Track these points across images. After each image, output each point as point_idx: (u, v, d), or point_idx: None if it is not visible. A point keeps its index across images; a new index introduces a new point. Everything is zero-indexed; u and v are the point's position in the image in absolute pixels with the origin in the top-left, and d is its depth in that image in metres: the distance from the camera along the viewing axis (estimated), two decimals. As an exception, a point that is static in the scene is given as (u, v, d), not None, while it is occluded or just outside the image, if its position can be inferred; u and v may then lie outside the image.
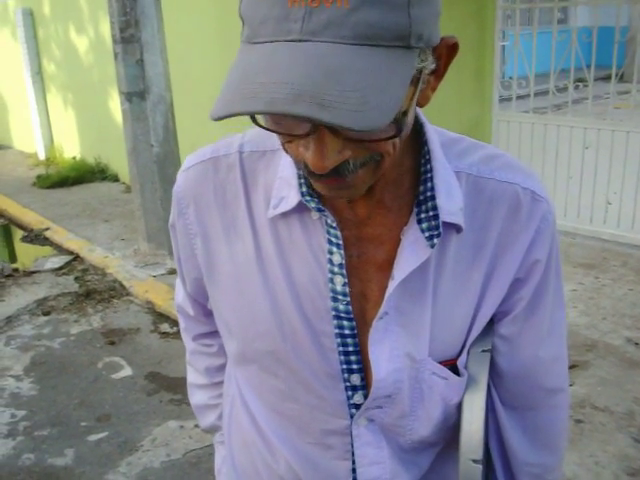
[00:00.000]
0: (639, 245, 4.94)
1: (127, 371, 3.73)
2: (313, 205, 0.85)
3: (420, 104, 0.76)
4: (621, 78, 4.95)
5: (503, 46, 5.76)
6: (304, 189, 0.85)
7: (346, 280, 0.87)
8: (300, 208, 0.87)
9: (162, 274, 4.92)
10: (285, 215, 0.89)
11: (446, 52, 0.74)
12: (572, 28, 4.99)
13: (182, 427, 3.16)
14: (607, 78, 7.18)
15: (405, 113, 0.71)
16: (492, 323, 0.94)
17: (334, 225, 0.86)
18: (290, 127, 0.70)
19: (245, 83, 0.64)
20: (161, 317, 4.38)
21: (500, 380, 0.97)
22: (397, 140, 0.73)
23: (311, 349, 0.90)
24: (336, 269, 0.87)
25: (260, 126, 0.73)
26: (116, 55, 4.83)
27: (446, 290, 0.89)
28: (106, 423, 3.23)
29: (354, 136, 0.68)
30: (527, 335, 0.95)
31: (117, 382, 3.61)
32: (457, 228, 0.86)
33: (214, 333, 1.15)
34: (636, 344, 3.60)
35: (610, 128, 4.96)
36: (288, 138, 0.73)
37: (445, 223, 0.84)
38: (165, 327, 4.25)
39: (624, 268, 4.67)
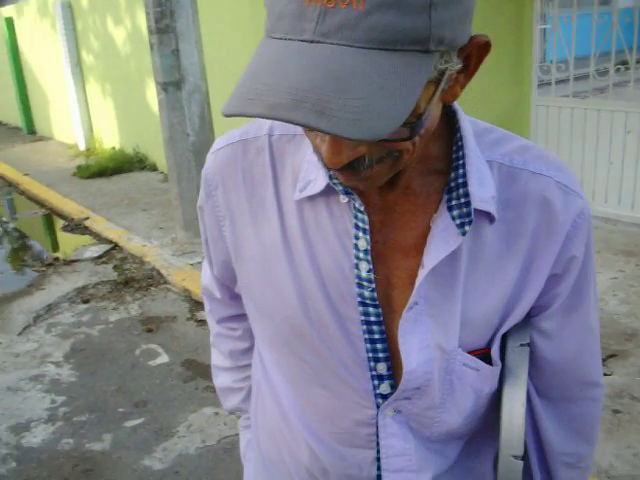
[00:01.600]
0: (682, 232, 4.82)
1: (164, 358, 3.77)
2: (341, 188, 0.84)
3: (446, 100, 0.74)
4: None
5: (543, 29, 5.64)
6: (332, 172, 0.84)
7: (371, 266, 0.86)
8: (327, 192, 0.86)
9: (199, 262, 4.95)
10: (312, 198, 0.88)
11: (477, 52, 0.71)
12: (613, 9, 4.87)
13: (217, 414, 3.19)
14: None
15: (420, 115, 0.69)
16: (529, 317, 0.93)
17: (362, 209, 0.85)
18: None
19: (252, 83, 0.64)
20: (198, 305, 4.41)
21: (538, 373, 0.96)
22: (416, 139, 0.72)
23: (337, 335, 0.89)
24: (361, 255, 0.86)
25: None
26: (152, 46, 4.87)
27: (478, 281, 0.87)
28: (143, 409, 3.27)
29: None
30: (568, 330, 0.94)
31: (154, 369, 3.66)
32: (490, 218, 0.84)
33: (239, 316, 1.16)
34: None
35: (653, 112, 4.84)
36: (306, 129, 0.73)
37: (477, 211, 0.83)
38: (202, 315, 4.28)
39: (667, 255, 4.56)
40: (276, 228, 0.91)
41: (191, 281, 4.65)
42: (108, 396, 3.41)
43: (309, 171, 0.88)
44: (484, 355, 0.91)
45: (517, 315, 0.90)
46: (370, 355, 0.89)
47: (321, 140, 0.71)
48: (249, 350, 1.19)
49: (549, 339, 0.94)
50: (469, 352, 0.90)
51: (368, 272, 0.86)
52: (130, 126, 8.47)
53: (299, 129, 0.91)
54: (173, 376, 3.58)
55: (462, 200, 0.83)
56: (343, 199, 0.86)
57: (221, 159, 0.96)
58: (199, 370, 3.62)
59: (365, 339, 0.89)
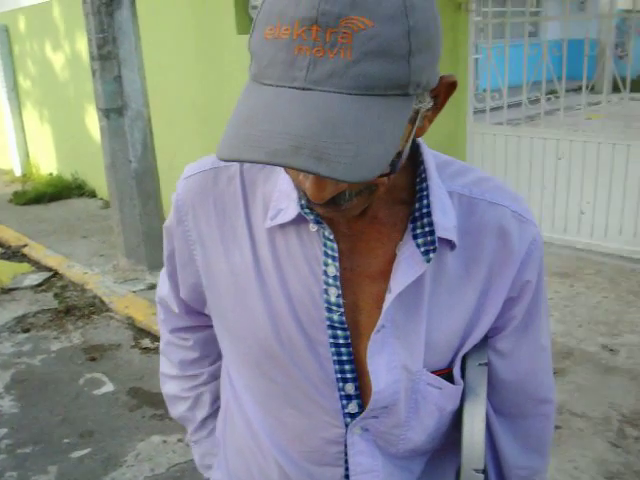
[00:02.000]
0: (612, 254, 5.04)
1: (109, 387, 3.72)
2: (312, 217, 0.89)
3: (417, 136, 0.81)
4: (591, 90, 5.07)
5: (476, 59, 5.85)
6: (303, 202, 0.88)
7: (340, 292, 0.90)
8: (297, 220, 0.90)
9: (142, 289, 4.92)
10: (283, 226, 0.92)
11: (445, 90, 0.79)
12: (543, 41, 5.10)
13: (165, 442, 3.17)
14: (577, 89, 7.35)
15: (400, 154, 0.76)
16: (486, 338, 0.98)
17: (331, 238, 0.89)
18: None
19: (250, 128, 0.67)
20: (142, 332, 4.38)
21: (494, 390, 1.01)
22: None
23: (307, 357, 0.93)
24: (331, 280, 0.90)
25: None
26: (94, 72, 4.85)
27: (440, 304, 0.92)
28: (89, 439, 3.22)
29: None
30: (522, 350, 1.00)
31: (99, 398, 3.60)
32: (451, 245, 0.90)
33: (192, 328, 1.19)
34: (611, 350, 3.67)
35: (582, 139, 5.07)
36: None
37: (439, 239, 0.88)
38: (146, 342, 4.25)
39: (598, 276, 4.76)
40: (248, 254, 0.94)
41: (134, 308, 4.60)
42: (53, 427, 3.34)
43: (280, 200, 0.91)
44: (446, 375, 0.96)
45: (476, 336, 0.96)
46: (339, 376, 0.93)
47: (304, 177, 0.75)
48: (198, 360, 1.22)
49: (504, 358, 1.00)
50: (432, 372, 0.95)
51: (337, 297, 0.90)
52: (68, 152, 8.35)
53: None
54: (119, 405, 3.53)
55: (426, 229, 0.88)
56: (313, 228, 0.90)
57: (192, 186, 0.99)
58: (145, 398, 3.59)
59: (334, 361, 0.93)
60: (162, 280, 1.19)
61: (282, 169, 0.91)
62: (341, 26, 0.65)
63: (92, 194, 7.92)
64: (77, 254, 5.82)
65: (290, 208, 0.90)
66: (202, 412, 1.23)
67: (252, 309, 0.95)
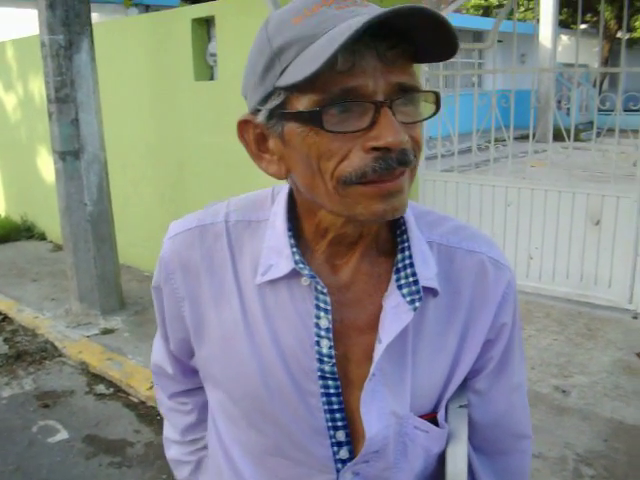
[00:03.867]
0: (560, 297, 5.20)
1: (63, 434, 3.64)
2: (307, 272, 0.91)
3: None
4: (533, 138, 5.30)
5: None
6: (297, 257, 0.92)
7: (332, 343, 0.93)
8: (289, 275, 0.92)
9: (96, 334, 4.84)
10: (273, 282, 0.94)
11: None
12: (491, 92, 5.31)
13: (124, 490, 3.11)
14: (520, 138, 7.63)
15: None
16: (465, 380, 1.03)
17: (324, 291, 0.92)
18: (355, 122, 0.79)
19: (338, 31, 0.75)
20: (96, 378, 4.30)
21: (474, 429, 1.05)
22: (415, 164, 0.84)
23: (298, 408, 0.94)
24: (323, 333, 0.93)
25: (328, 131, 0.78)
26: (50, 115, 4.83)
27: (424, 350, 0.96)
28: (44, 489, 3.14)
29: (406, 119, 0.81)
30: (499, 389, 1.05)
31: (53, 446, 3.52)
32: (433, 292, 0.95)
33: (190, 391, 1.21)
34: (563, 391, 3.78)
35: (529, 187, 5.26)
36: (353, 142, 0.79)
37: (423, 287, 0.92)
38: (101, 388, 4.18)
39: (547, 319, 4.90)
40: (237, 309, 0.96)
41: (88, 353, 4.53)
42: (6, 477, 3.24)
43: (269, 257, 0.94)
44: (432, 419, 1.00)
45: (458, 379, 1.00)
46: (330, 424, 0.95)
47: (375, 139, 0.78)
48: (198, 425, 1.23)
49: (482, 397, 1.04)
50: (419, 416, 0.98)
51: (329, 348, 0.93)
52: (18, 194, 8.22)
53: (254, 217, 0.99)
54: (74, 453, 3.45)
55: (410, 279, 0.92)
56: (305, 281, 0.92)
57: (179, 245, 1.01)
58: (101, 445, 3.52)
59: (325, 410, 0.95)
60: (156, 346, 1.21)
61: (269, 225, 0.96)
62: None
63: (42, 237, 7.79)
64: (27, 298, 5.71)
65: (281, 264, 0.92)
66: (205, 475, 1.23)
67: (241, 363, 0.96)
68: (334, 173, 0.80)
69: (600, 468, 3.05)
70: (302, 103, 0.79)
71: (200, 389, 1.16)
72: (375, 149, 0.78)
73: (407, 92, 0.80)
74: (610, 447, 3.22)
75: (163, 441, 1.30)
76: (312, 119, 0.78)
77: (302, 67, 0.75)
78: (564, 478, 2.98)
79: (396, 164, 0.80)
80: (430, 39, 0.78)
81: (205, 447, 1.22)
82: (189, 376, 1.18)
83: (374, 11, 0.79)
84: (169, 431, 1.28)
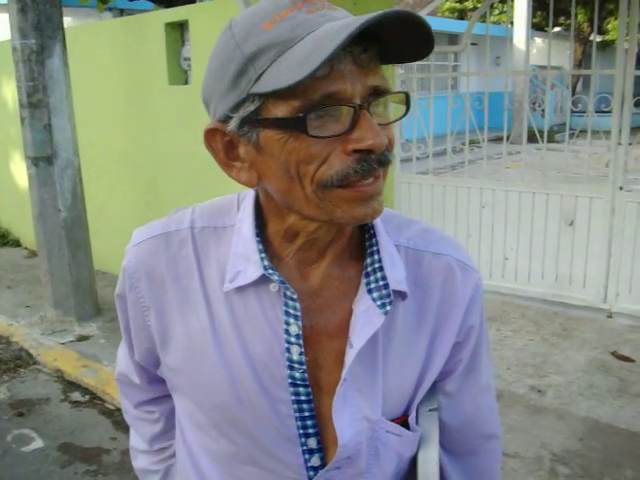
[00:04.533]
0: (535, 297, 5.24)
1: (38, 443, 3.60)
2: (276, 278, 0.90)
3: None
4: (507, 140, 5.34)
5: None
6: (266, 263, 0.91)
7: (302, 349, 0.92)
8: (257, 281, 0.91)
9: (71, 341, 4.80)
10: (240, 289, 0.93)
11: None
12: (465, 94, 5.34)
13: (100, 498, 3.08)
14: (495, 140, 7.68)
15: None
16: (435, 383, 1.03)
17: (294, 297, 0.91)
18: (334, 126, 0.79)
19: (324, 38, 0.75)
20: (71, 385, 4.26)
21: (443, 431, 1.06)
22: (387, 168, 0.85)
23: (268, 416, 0.94)
24: (293, 339, 0.92)
25: (312, 136, 0.78)
26: (23, 120, 4.78)
27: (395, 353, 0.96)
28: (19, 499, 3.10)
29: (380, 120, 0.81)
30: (467, 390, 1.06)
31: (28, 455, 3.48)
32: (402, 296, 0.95)
33: (156, 400, 1.19)
34: (539, 391, 3.81)
35: (504, 189, 5.30)
36: (333, 145, 0.79)
37: (393, 291, 0.92)
38: (76, 396, 4.14)
39: (523, 320, 4.94)
40: (204, 318, 0.95)
41: (63, 361, 4.48)
42: (-21, 487, 3.21)
43: (236, 263, 0.93)
44: (402, 422, 0.99)
45: (428, 383, 1.00)
46: (301, 432, 0.95)
47: (356, 141, 0.79)
48: (165, 433, 1.21)
49: (451, 399, 1.05)
50: (390, 420, 0.98)
51: (300, 355, 0.92)
52: (-9, 200, 8.13)
53: (220, 223, 0.98)
54: (50, 461, 3.41)
55: (380, 283, 0.92)
56: (274, 288, 0.91)
57: (143, 252, 0.99)
58: (77, 454, 3.48)
59: (296, 417, 0.94)
60: (120, 355, 1.19)
61: (235, 231, 0.95)
62: None
63: (16, 243, 7.71)
64: (1, 305, 5.63)
65: (250, 270, 0.91)
66: None
67: (210, 373, 0.95)
68: (314, 177, 0.80)
69: (576, 467, 3.07)
70: (280, 110, 0.78)
71: (167, 397, 1.15)
72: (356, 151, 0.79)
73: (380, 94, 0.81)
74: (586, 446, 3.25)
75: (130, 451, 1.29)
76: (295, 125, 0.78)
77: (286, 73, 0.74)
78: (540, 478, 3.00)
79: (377, 165, 0.81)
80: (406, 40, 0.79)
81: (173, 455, 1.21)
82: (155, 385, 1.16)
83: (345, 15, 0.80)
84: (136, 440, 1.26)
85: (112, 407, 3.95)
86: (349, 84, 0.77)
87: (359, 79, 0.78)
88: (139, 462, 1.26)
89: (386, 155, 0.82)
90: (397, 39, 0.79)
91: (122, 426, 3.73)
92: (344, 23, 0.74)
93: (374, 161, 0.80)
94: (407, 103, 0.86)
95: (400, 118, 0.86)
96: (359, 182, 0.80)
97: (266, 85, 0.77)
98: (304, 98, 0.77)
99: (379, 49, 0.80)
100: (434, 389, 1.04)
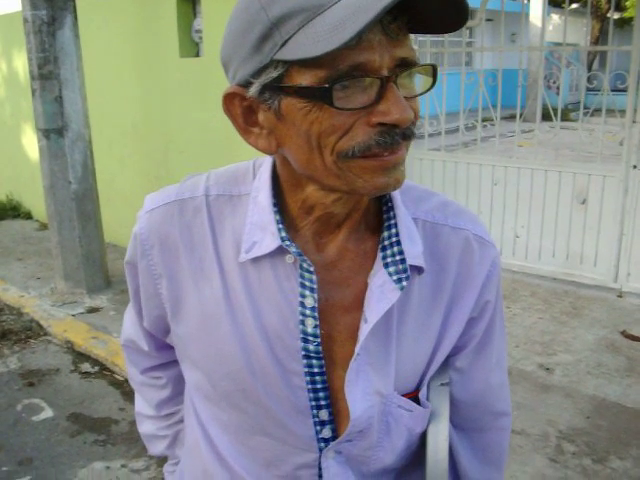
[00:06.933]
0: (546, 276, 5.22)
1: (48, 413, 3.63)
2: (294, 250, 0.89)
3: None
4: (521, 117, 5.28)
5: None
6: (283, 234, 0.89)
7: (317, 322, 0.91)
8: (273, 252, 0.90)
9: (81, 313, 4.83)
10: (256, 259, 0.91)
11: None
12: (479, 71, 5.29)
13: (108, 468, 3.11)
14: (509, 117, 7.61)
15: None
16: (447, 357, 1.01)
17: (311, 269, 0.89)
18: (360, 98, 0.76)
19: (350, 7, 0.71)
20: (81, 357, 4.30)
21: (454, 407, 1.05)
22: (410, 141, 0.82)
23: (280, 387, 0.93)
24: (308, 312, 0.90)
25: (337, 108, 0.75)
26: (34, 91, 4.78)
27: (409, 329, 0.95)
28: (28, 467, 3.14)
29: (407, 93, 0.79)
30: (479, 366, 1.04)
31: (38, 424, 3.51)
32: (419, 270, 0.93)
33: (163, 365, 1.19)
34: (547, 369, 3.80)
35: (516, 165, 5.26)
36: (356, 116, 0.77)
37: (409, 266, 0.90)
38: (86, 367, 4.17)
39: (533, 298, 4.92)
40: (218, 287, 0.93)
41: (73, 332, 4.52)
42: (-11, 455, 3.25)
43: (252, 233, 0.91)
44: (413, 397, 0.98)
45: (441, 357, 0.99)
46: (313, 404, 0.94)
47: (382, 114, 0.76)
48: (173, 398, 1.21)
49: (463, 375, 1.04)
50: (402, 395, 0.97)
51: (314, 328, 0.91)
52: (3, 173, 8.16)
53: (235, 191, 0.96)
54: (59, 431, 3.45)
55: (397, 257, 0.90)
56: (290, 259, 0.90)
57: (157, 219, 0.97)
58: (86, 423, 3.52)
59: (308, 389, 0.93)
60: (128, 321, 1.18)
61: (251, 200, 0.92)
62: None
63: (28, 216, 7.75)
64: (13, 277, 5.68)
65: (266, 240, 0.90)
66: (182, 449, 1.21)
67: (223, 342, 0.94)
68: (335, 148, 0.78)
69: (582, 444, 3.08)
70: (305, 78, 0.75)
71: (174, 362, 1.14)
72: (381, 124, 0.76)
73: (408, 66, 0.78)
74: (592, 424, 3.25)
75: (135, 416, 1.28)
76: (320, 96, 0.75)
77: (316, 41, 0.71)
78: (546, 455, 3.00)
79: (401, 139, 0.78)
80: (438, 10, 0.76)
81: (181, 421, 1.21)
82: (164, 351, 1.16)
83: None
84: (142, 406, 1.26)
85: (121, 378, 3.98)
86: (377, 55, 0.74)
87: (387, 50, 0.75)
88: (145, 427, 1.26)
89: (411, 129, 0.79)
90: (429, 10, 0.76)
91: (131, 397, 3.76)
92: None
93: (398, 135, 0.78)
94: (434, 76, 0.83)
95: (427, 91, 0.83)
96: (380, 153, 0.78)
97: (293, 52, 0.74)
98: (331, 68, 0.73)
99: (408, 18, 0.77)
100: (446, 364, 1.02)
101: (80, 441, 3.36)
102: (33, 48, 4.67)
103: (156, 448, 1.26)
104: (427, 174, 5.67)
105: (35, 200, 7.30)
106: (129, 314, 1.17)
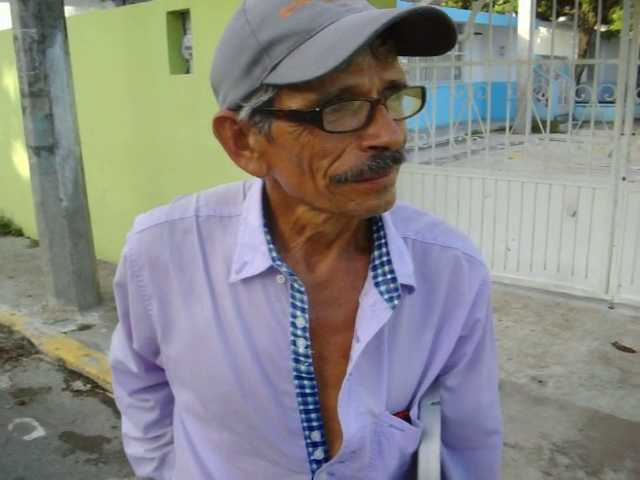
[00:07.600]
0: (537, 288, 5.23)
1: (40, 432, 3.61)
2: (285, 270, 0.88)
3: None
4: (510, 130, 5.31)
5: (404, 101, 6.02)
6: (274, 254, 0.89)
7: (309, 343, 0.90)
8: (264, 273, 0.89)
9: (73, 330, 4.81)
10: (246, 280, 0.91)
11: None
12: (468, 84, 5.32)
13: (101, 487, 3.09)
14: (498, 130, 7.66)
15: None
16: (438, 376, 1.02)
17: (302, 289, 0.89)
18: (350, 121, 0.76)
19: (344, 30, 0.72)
20: (73, 375, 4.27)
21: (445, 425, 1.05)
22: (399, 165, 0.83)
23: (272, 408, 0.92)
24: (299, 332, 0.90)
25: (328, 131, 0.76)
26: (24, 109, 4.77)
27: (400, 348, 0.95)
28: (20, 487, 3.12)
29: (396, 116, 0.79)
30: (470, 385, 1.04)
31: (30, 443, 3.49)
32: (409, 289, 0.93)
33: (151, 387, 1.18)
34: (540, 382, 3.81)
35: (506, 179, 5.28)
36: (347, 140, 0.77)
37: (400, 285, 0.90)
38: (78, 385, 4.15)
39: (525, 310, 4.93)
40: (208, 308, 0.93)
41: (65, 350, 4.49)
42: (-19, 475, 3.22)
43: (243, 254, 0.91)
44: (405, 417, 0.98)
45: (431, 376, 0.99)
46: (305, 425, 0.93)
47: (372, 138, 0.77)
48: (160, 421, 1.20)
49: (454, 394, 1.04)
50: (393, 414, 0.96)
51: (306, 348, 0.90)
52: (-7, 189, 8.13)
53: (225, 212, 0.95)
54: (51, 450, 3.43)
55: (388, 276, 0.90)
56: (280, 279, 0.89)
57: (147, 240, 0.96)
58: (78, 442, 3.50)
59: (300, 410, 0.93)
60: (116, 342, 1.17)
61: (242, 221, 0.92)
62: None
63: (19, 233, 7.72)
64: (3, 294, 5.65)
65: (257, 261, 0.89)
66: (169, 471, 1.21)
67: (214, 363, 0.93)
68: (327, 172, 0.78)
69: (576, 457, 3.08)
70: (295, 102, 0.76)
71: (162, 385, 1.14)
72: (372, 148, 0.77)
73: (397, 89, 0.79)
74: (586, 436, 3.25)
75: (122, 438, 1.27)
76: (311, 119, 0.75)
77: (306, 65, 0.72)
78: (540, 468, 3.00)
79: (392, 162, 0.79)
80: (427, 35, 0.77)
81: (169, 443, 1.20)
82: (152, 372, 1.15)
83: (365, 6, 0.78)
84: (129, 428, 1.24)
85: (113, 396, 3.94)
86: (367, 78, 0.75)
87: (377, 73, 0.76)
88: (133, 449, 1.25)
89: (402, 153, 0.80)
90: (417, 33, 0.77)
91: (123, 415, 3.74)
92: (367, 17, 0.71)
93: (389, 158, 0.78)
94: (423, 97, 0.83)
95: (416, 113, 0.84)
96: (373, 177, 0.79)
97: (283, 76, 0.74)
98: (321, 91, 0.74)
99: (396, 42, 0.78)
100: (437, 383, 1.03)
101: (72, 460, 3.34)
102: (23, 66, 4.68)
103: (143, 470, 1.25)
104: (418, 188, 5.68)
105: (26, 217, 7.27)
106: (118, 335, 1.16)
